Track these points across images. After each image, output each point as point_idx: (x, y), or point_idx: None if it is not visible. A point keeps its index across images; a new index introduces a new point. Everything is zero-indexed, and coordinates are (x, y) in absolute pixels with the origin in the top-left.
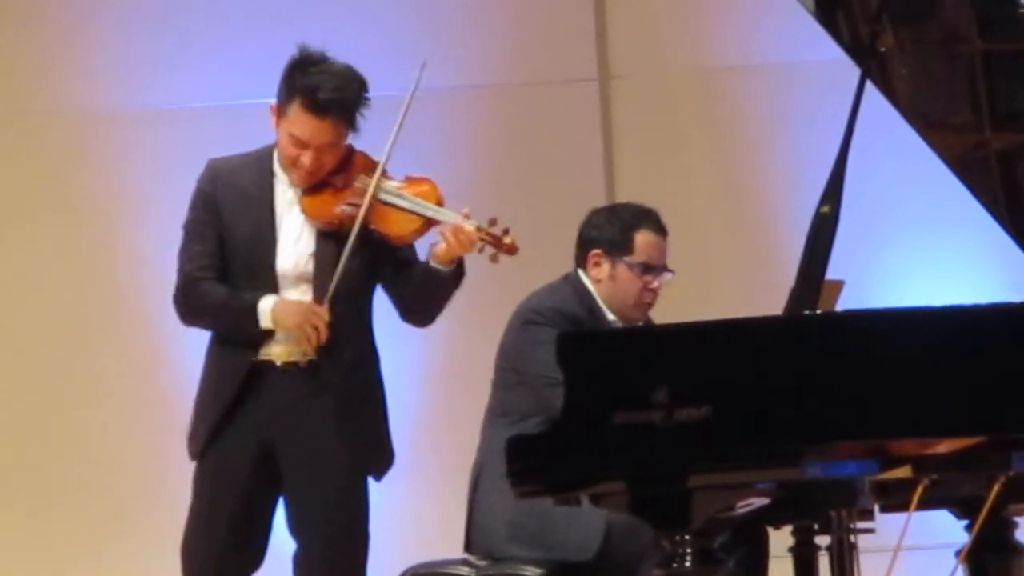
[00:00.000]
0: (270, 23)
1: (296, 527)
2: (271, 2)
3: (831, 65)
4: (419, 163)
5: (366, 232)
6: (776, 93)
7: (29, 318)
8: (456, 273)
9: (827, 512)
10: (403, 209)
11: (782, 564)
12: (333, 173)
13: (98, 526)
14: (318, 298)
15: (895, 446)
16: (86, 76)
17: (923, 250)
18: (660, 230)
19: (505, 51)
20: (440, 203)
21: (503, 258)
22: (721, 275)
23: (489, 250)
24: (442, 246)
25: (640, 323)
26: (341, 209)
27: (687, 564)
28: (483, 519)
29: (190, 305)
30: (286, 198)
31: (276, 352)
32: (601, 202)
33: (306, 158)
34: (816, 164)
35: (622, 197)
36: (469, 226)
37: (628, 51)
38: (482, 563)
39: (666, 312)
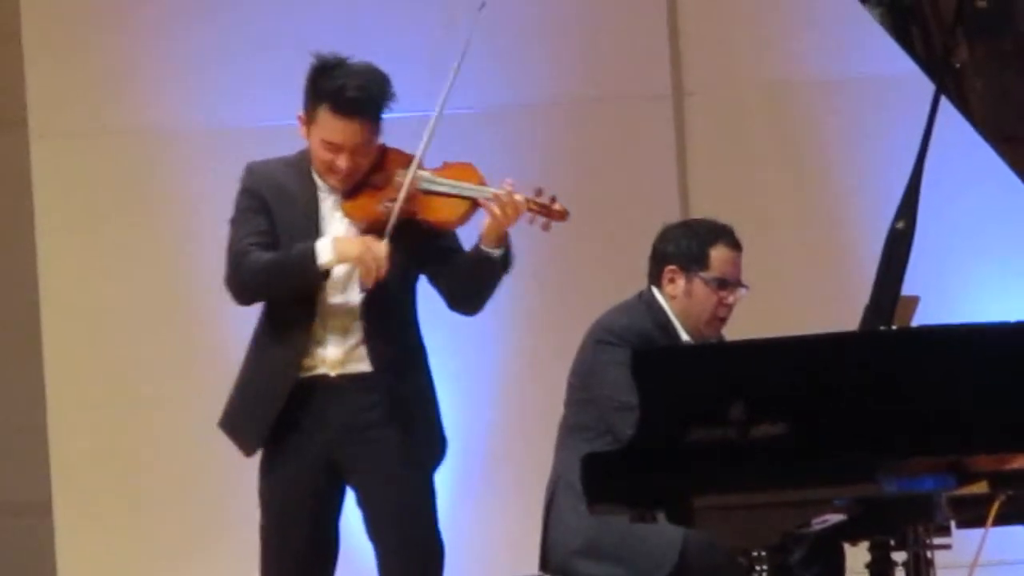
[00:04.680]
0: (335, 45)
1: (373, 535)
2: (337, 25)
3: (905, 79)
4: (492, 179)
5: (411, 223)
6: (850, 108)
7: (105, 327)
8: (505, 258)
9: (904, 528)
10: (445, 195)
11: None
12: (370, 173)
13: (185, 527)
14: (366, 300)
15: (972, 462)
16: (159, 94)
17: (999, 265)
18: (735, 245)
19: (578, 67)
20: (482, 182)
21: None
22: (796, 291)
23: (540, 220)
24: (489, 221)
25: (713, 340)
26: (383, 207)
27: None
28: (558, 536)
29: (242, 275)
30: (327, 204)
31: (330, 360)
32: (676, 219)
33: (342, 161)
34: (891, 179)
35: (696, 213)
36: (517, 195)
37: (702, 67)
38: None
39: (741, 327)
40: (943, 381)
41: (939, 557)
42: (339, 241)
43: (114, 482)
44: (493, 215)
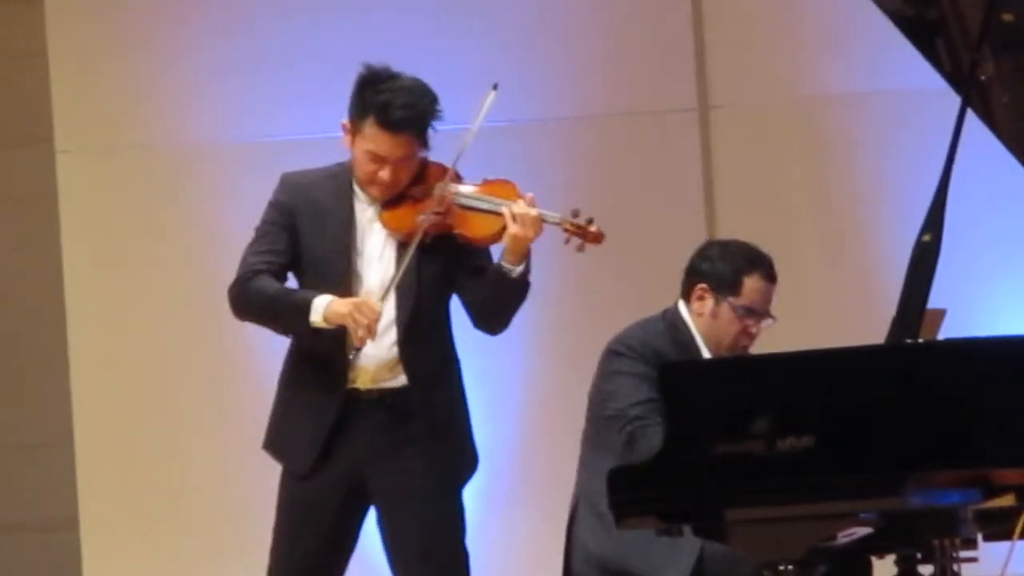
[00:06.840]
0: (363, 58)
1: (394, 554)
2: (364, 38)
3: (931, 93)
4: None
5: (448, 238)
6: (876, 121)
7: (131, 343)
8: (522, 278)
9: (930, 541)
10: (483, 211)
11: None
12: (410, 185)
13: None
14: (402, 316)
15: (998, 475)
16: (183, 109)
17: None
18: (770, 277)
19: (604, 81)
20: (516, 198)
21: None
22: (822, 304)
23: (575, 241)
24: (508, 236)
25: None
26: (423, 218)
27: None
28: (578, 552)
29: (244, 295)
30: (366, 216)
31: (361, 378)
32: (701, 233)
33: (384, 173)
34: (917, 192)
35: (722, 227)
36: (532, 210)
37: (728, 80)
38: None
39: (767, 340)
40: (969, 394)
41: (966, 570)
42: (331, 303)
43: (140, 498)
44: (510, 227)
